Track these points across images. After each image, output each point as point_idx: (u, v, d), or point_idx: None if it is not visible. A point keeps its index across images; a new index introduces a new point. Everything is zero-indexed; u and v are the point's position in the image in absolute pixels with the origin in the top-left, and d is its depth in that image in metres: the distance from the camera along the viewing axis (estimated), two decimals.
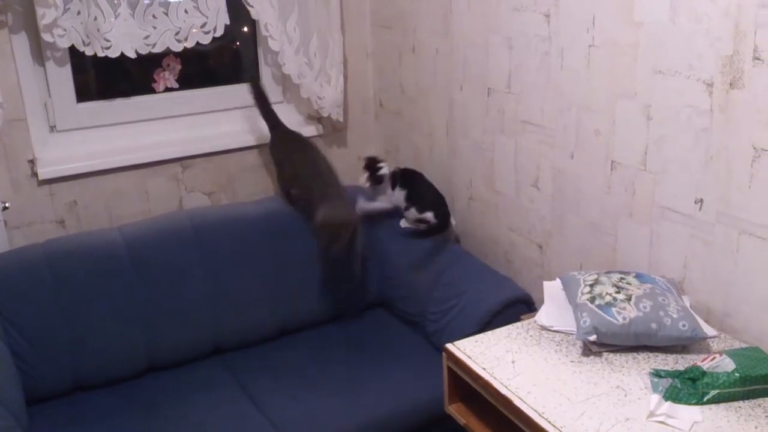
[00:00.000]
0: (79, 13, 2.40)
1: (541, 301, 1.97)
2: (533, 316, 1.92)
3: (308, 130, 2.97)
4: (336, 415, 2.14)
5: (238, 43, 2.99)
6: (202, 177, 2.80)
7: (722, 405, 1.52)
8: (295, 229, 2.63)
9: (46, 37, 2.40)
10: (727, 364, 1.55)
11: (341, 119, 2.97)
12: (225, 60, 3.04)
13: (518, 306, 2.26)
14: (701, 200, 1.79)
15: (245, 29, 2.93)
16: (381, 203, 2.71)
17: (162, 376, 2.37)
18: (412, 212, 2.61)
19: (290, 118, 2.99)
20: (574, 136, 2.13)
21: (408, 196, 2.63)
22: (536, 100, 2.24)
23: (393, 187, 2.67)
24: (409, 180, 2.66)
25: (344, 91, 2.96)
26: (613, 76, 1.96)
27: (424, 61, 2.74)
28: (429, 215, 2.56)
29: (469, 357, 1.75)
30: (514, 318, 2.05)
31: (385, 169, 2.68)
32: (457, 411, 1.87)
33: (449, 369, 1.83)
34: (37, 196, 2.53)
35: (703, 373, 1.55)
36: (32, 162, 2.50)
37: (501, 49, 2.34)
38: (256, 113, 2.78)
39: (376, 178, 2.67)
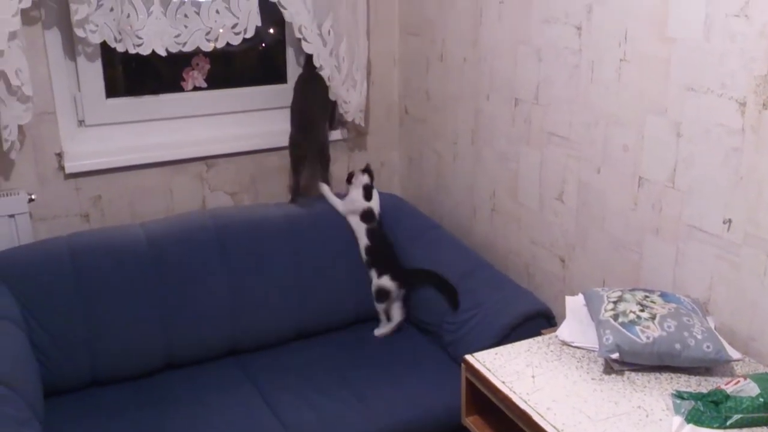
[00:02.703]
0: (112, 9, 2.42)
1: (562, 316, 1.96)
2: (554, 331, 1.90)
3: (332, 135, 2.98)
4: (350, 422, 2.13)
5: (264, 45, 3.00)
6: (225, 177, 2.81)
7: (745, 430, 1.49)
8: (315, 232, 2.63)
9: (79, 32, 2.42)
10: (752, 389, 1.53)
11: (363, 123, 2.97)
12: (252, 61, 3.05)
13: (538, 320, 2.24)
14: (730, 220, 1.77)
15: (271, 31, 2.94)
16: (340, 202, 2.71)
17: (178, 374, 2.38)
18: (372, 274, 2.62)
19: None
20: (602, 151, 2.11)
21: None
22: (564, 113, 2.23)
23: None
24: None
25: (367, 96, 2.96)
26: (644, 92, 1.94)
27: (451, 70, 2.73)
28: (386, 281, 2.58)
29: (489, 369, 1.74)
30: (533, 332, 2.03)
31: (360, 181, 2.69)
32: (473, 423, 1.85)
33: (467, 380, 1.81)
34: (62, 190, 2.55)
35: (727, 397, 1.52)
36: (60, 155, 2.52)
37: (530, 60, 2.33)
38: (281, 115, 2.79)
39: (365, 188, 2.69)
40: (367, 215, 2.64)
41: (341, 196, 2.73)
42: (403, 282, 2.58)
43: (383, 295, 2.57)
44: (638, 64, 1.95)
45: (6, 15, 2.20)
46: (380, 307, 2.59)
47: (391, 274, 2.58)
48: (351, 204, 2.67)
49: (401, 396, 2.24)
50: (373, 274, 2.60)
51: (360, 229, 2.64)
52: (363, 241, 2.63)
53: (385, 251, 2.64)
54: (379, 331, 2.58)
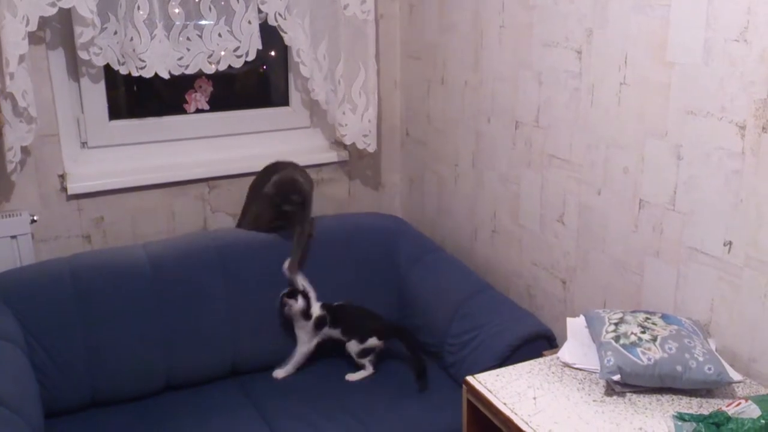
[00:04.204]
0: (115, 33, 2.45)
1: (563, 338, 1.96)
2: (555, 353, 1.90)
3: (332, 156, 3.00)
4: None
5: (264, 67, 3.03)
6: (227, 198, 2.82)
7: None
8: (316, 254, 2.63)
9: (83, 54, 2.45)
10: (753, 410, 1.52)
11: (370, 149, 2.95)
12: (254, 84, 3.08)
13: (539, 342, 2.24)
14: (730, 243, 1.78)
15: (273, 53, 2.97)
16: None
17: (179, 395, 2.37)
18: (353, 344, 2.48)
19: (316, 143, 3.02)
20: (602, 173, 2.13)
21: (343, 331, 2.50)
22: (564, 135, 2.25)
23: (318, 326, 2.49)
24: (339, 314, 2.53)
25: (378, 119, 2.95)
26: (644, 115, 1.96)
27: (452, 93, 2.76)
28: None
29: (490, 391, 1.74)
30: (534, 354, 2.03)
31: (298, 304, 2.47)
32: None
33: (469, 402, 1.81)
34: (65, 211, 2.56)
35: (728, 419, 1.52)
36: (62, 177, 2.54)
37: (531, 83, 2.35)
38: (282, 137, 2.81)
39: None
40: (320, 322, 2.50)
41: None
42: (385, 336, 2.51)
43: (371, 351, 2.50)
44: (638, 88, 1.97)
45: (16, 38, 2.23)
46: (365, 360, 2.51)
47: (377, 335, 2.49)
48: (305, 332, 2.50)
49: (402, 419, 2.23)
50: (354, 344, 2.48)
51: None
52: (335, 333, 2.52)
53: (356, 318, 2.52)
54: (352, 377, 2.49)
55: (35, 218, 2.47)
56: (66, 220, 2.57)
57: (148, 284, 2.36)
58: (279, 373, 2.46)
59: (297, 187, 2.54)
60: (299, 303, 2.45)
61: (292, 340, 2.53)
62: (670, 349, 1.68)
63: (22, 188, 2.48)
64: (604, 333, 1.77)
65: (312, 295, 2.51)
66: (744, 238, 1.74)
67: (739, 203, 1.74)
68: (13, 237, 2.41)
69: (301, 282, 2.52)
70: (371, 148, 2.95)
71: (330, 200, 3.03)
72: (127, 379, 2.32)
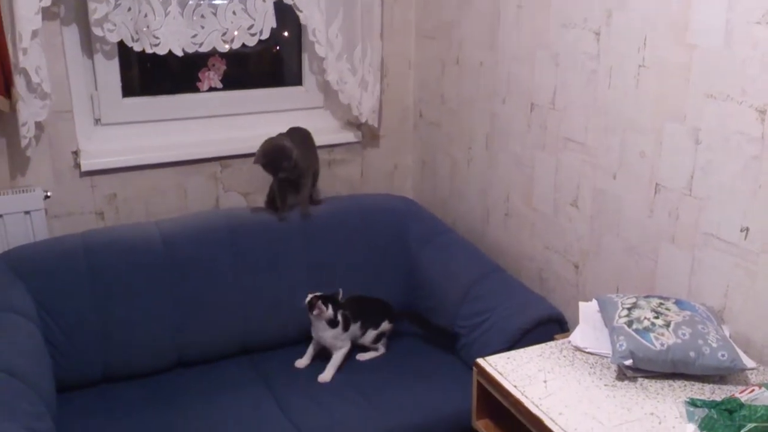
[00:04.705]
0: (129, 9, 2.44)
1: (574, 322, 1.95)
2: (567, 337, 1.89)
3: (345, 137, 2.99)
4: (360, 424, 2.13)
5: (278, 47, 3.01)
6: (239, 177, 2.82)
7: None
8: (327, 233, 2.63)
9: (97, 31, 2.44)
10: (766, 398, 1.51)
11: (375, 124, 2.97)
12: (267, 63, 3.06)
13: (550, 325, 2.23)
14: (747, 229, 1.76)
15: (286, 33, 2.95)
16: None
17: (190, 372, 2.39)
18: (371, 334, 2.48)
19: (328, 123, 3.01)
20: (618, 157, 2.11)
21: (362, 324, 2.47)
22: (581, 118, 2.22)
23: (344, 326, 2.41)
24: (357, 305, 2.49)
25: (380, 97, 2.96)
26: (663, 98, 1.93)
27: (467, 73, 2.73)
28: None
29: (501, 373, 1.73)
30: (545, 337, 2.02)
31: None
32: (484, 427, 1.85)
33: (479, 384, 1.81)
34: (78, 187, 2.57)
35: (741, 405, 1.51)
36: (76, 153, 2.54)
37: (547, 64, 2.32)
38: (295, 117, 2.80)
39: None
40: (346, 320, 2.43)
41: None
42: (395, 318, 2.53)
43: (383, 335, 2.51)
44: (657, 70, 1.94)
45: (29, 13, 2.23)
46: (378, 344, 2.51)
47: (388, 318, 2.51)
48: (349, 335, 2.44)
49: (412, 399, 2.24)
50: (370, 334, 2.48)
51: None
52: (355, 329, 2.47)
53: (367, 308, 2.51)
54: (363, 356, 2.49)
55: (49, 194, 2.47)
56: (79, 196, 2.58)
57: (160, 261, 2.37)
58: (323, 377, 2.36)
59: (286, 153, 2.51)
60: (329, 311, 2.36)
61: (303, 319, 2.53)
62: (684, 334, 1.67)
63: (36, 164, 2.49)
64: (616, 318, 1.76)
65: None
66: (761, 225, 1.72)
67: (757, 189, 1.72)
68: (27, 212, 2.41)
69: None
70: (376, 123, 2.96)
71: (342, 181, 3.02)
72: (138, 355, 2.34)
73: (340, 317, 2.39)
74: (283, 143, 2.53)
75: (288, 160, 2.49)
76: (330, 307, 2.36)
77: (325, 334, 2.39)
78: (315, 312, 2.35)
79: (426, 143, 3.08)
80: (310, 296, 2.38)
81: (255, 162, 2.51)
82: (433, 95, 2.97)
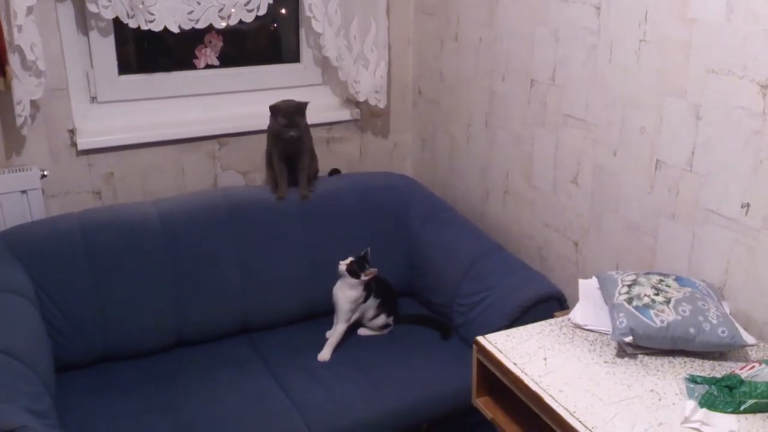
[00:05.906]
0: None
1: (574, 300, 1.94)
2: (567, 314, 1.89)
3: (343, 114, 2.97)
4: (359, 402, 2.13)
5: (275, 25, 2.98)
6: (237, 156, 2.80)
7: (759, 415, 1.48)
8: (326, 212, 2.62)
9: (91, 7, 2.41)
10: (766, 374, 1.51)
11: (381, 105, 2.94)
12: (265, 40, 3.03)
13: (550, 303, 2.23)
14: (748, 205, 1.75)
15: (284, 10, 2.92)
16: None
17: (189, 351, 2.38)
18: (381, 318, 2.49)
19: (326, 100, 2.99)
20: (619, 133, 2.09)
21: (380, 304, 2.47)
22: (581, 94, 2.20)
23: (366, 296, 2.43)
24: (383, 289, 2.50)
25: (388, 76, 2.92)
26: (663, 73, 1.91)
27: (466, 50, 2.70)
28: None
29: (501, 351, 1.73)
30: (545, 315, 2.02)
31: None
32: (484, 404, 1.85)
33: (479, 362, 1.81)
34: (75, 166, 2.55)
35: (741, 382, 1.51)
36: (72, 132, 2.52)
37: (547, 40, 2.30)
38: (293, 94, 2.78)
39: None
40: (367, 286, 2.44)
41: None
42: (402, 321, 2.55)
43: (386, 326, 2.52)
44: (658, 45, 1.92)
45: None
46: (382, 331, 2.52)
47: (396, 318, 2.53)
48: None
49: (411, 377, 2.24)
50: (382, 318, 2.49)
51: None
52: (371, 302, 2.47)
53: (389, 296, 2.53)
54: (364, 331, 2.50)
55: (45, 173, 2.46)
56: (76, 175, 2.56)
57: (158, 240, 2.36)
58: (324, 355, 2.36)
59: (301, 109, 2.55)
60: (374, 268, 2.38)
61: (302, 297, 2.53)
62: (684, 311, 1.66)
63: (32, 143, 2.47)
64: (616, 294, 1.76)
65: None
66: (762, 201, 1.71)
67: (758, 165, 1.71)
68: (24, 192, 2.40)
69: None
70: (382, 104, 2.93)
71: (341, 159, 3.00)
72: (137, 335, 2.33)
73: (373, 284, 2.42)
74: (298, 101, 2.56)
75: (303, 117, 2.53)
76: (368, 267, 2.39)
77: (350, 293, 2.38)
78: (365, 277, 2.36)
79: (425, 121, 3.05)
80: (349, 260, 2.38)
81: (271, 108, 2.53)
82: (432, 72, 2.94)
